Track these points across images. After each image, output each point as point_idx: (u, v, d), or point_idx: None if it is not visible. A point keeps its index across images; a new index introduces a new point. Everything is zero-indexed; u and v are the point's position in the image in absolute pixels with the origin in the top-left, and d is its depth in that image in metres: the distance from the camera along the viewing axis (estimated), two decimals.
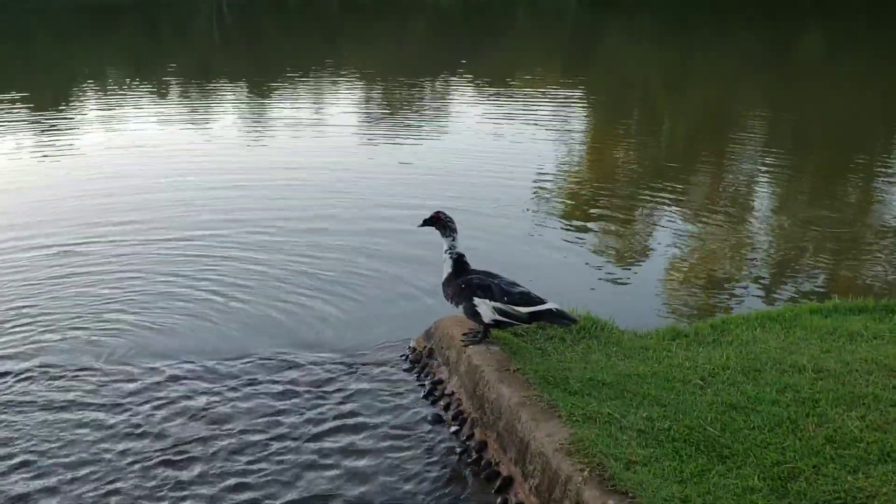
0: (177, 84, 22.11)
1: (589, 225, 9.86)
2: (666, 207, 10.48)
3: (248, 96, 20.06)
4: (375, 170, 12.42)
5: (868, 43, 30.44)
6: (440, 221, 5.49)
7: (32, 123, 16.21)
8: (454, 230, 5.50)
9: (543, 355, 5.43)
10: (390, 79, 22.87)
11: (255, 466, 4.92)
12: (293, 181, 11.57)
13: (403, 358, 6.31)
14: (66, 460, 4.96)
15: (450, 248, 5.50)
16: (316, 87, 21.76)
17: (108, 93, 20.58)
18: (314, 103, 19.37)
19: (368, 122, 17.03)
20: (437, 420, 5.40)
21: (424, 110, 18.27)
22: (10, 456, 5.01)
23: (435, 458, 5.00)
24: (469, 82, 22.54)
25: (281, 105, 18.69)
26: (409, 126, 16.06)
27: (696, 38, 32.54)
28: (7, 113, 17.12)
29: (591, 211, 10.47)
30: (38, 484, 4.74)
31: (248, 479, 4.80)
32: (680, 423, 4.39)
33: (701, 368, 5.12)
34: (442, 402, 5.60)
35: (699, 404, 4.62)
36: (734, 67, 24.75)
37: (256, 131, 15.54)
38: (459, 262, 5.50)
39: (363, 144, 14.60)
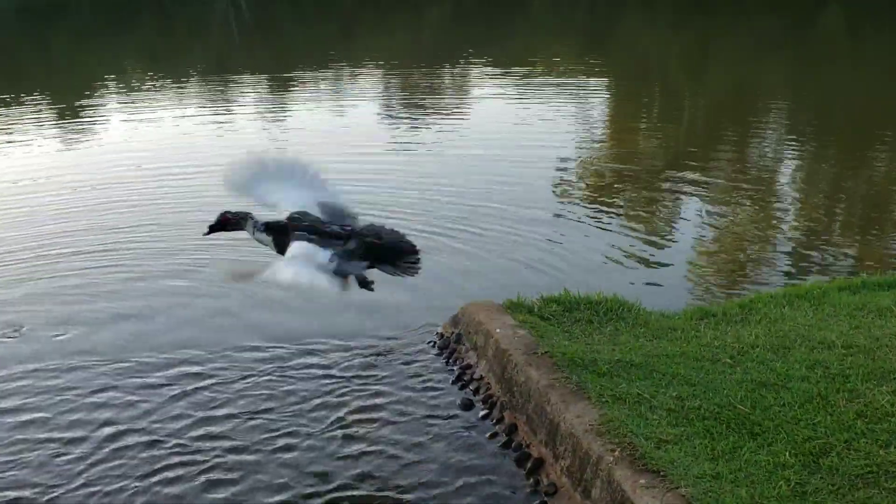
0: (201, 79, 22.22)
1: (612, 207, 9.84)
2: (690, 188, 10.44)
3: (272, 88, 20.15)
4: (394, 156, 12.49)
5: (890, 22, 30.07)
6: (230, 222, 4.37)
7: (60, 122, 16.39)
8: (247, 214, 4.36)
9: (570, 338, 5.45)
10: (407, 68, 22.86)
11: (282, 451, 4.98)
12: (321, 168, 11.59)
13: (431, 344, 6.35)
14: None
15: (254, 225, 4.29)
16: (335, 78, 21.80)
17: (133, 90, 20.72)
18: (334, 94, 19.41)
19: (388, 110, 17.06)
20: (468, 404, 5.43)
21: (442, 98, 18.27)
22: None
23: (466, 442, 5.03)
24: (486, 69, 22.49)
25: (303, 96, 18.76)
26: (427, 113, 16.05)
27: (713, 20, 32.28)
28: (33, 113, 17.30)
29: (614, 193, 10.46)
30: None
31: (275, 465, 4.86)
32: (710, 402, 4.40)
33: (730, 347, 5.12)
34: (471, 387, 5.63)
35: (729, 382, 4.62)
36: (753, 49, 24.53)
37: (280, 122, 15.60)
38: (272, 226, 4.28)
39: (384, 132, 14.62)
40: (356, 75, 22.11)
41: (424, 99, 17.96)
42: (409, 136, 14.12)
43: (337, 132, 14.86)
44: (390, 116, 16.34)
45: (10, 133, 15.11)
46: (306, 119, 16.05)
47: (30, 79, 22.69)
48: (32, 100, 18.92)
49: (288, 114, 16.75)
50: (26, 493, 4.65)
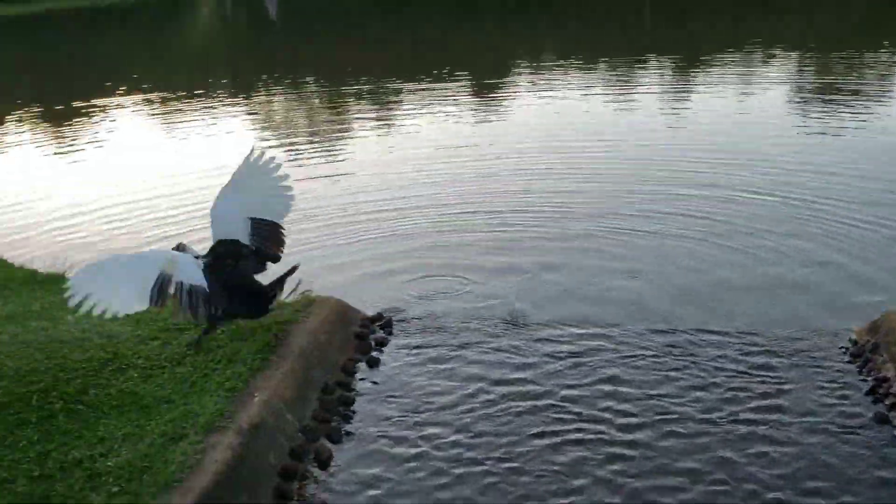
0: (610, 61, 22.63)
1: None
2: None
3: (679, 71, 20.02)
4: (804, 141, 12.01)
5: None
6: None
7: (479, 98, 17.61)
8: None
9: None
10: (827, 51, 21.38)
11: (672, 436, 4.92)
12: (726, 155, 11.36)
13: (843, 350, 5.94)
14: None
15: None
16: (746, 62, 20.96)
17: (545, 70, 21.66)
18: (743, 78, 18.65)
19: (800, 94, 16.11)
20: (882, 419, 5.02)
21: (858, 85, 16.77)
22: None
23: (879, 459, 4.65)
24: None
25: (709, 80, 18.31)
26: (845, 100, 14.83)
27: None
28: (455, 89, 18.74)
29: None
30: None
31: (662, 449, 4.82)
32: None
33: None
34: (887, 402, 5.20)
35: None
36: None
37: (683, 104, 15.42)
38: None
39: (790, 118, 13.91)
40: (768, 59, 21.10)
41: (844, 85, 16.64)
42: (818, 122, 13.23)
43: (740, 117, 14.34)
44: (800, 101, 15.43)
45: (432, 106, 16.54)
46: (709, 103, 15.64)
47: (450, 59, 24.54)
48: (455, 77, 20.49)
49: (693, 97, 16.42)
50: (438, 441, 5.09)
